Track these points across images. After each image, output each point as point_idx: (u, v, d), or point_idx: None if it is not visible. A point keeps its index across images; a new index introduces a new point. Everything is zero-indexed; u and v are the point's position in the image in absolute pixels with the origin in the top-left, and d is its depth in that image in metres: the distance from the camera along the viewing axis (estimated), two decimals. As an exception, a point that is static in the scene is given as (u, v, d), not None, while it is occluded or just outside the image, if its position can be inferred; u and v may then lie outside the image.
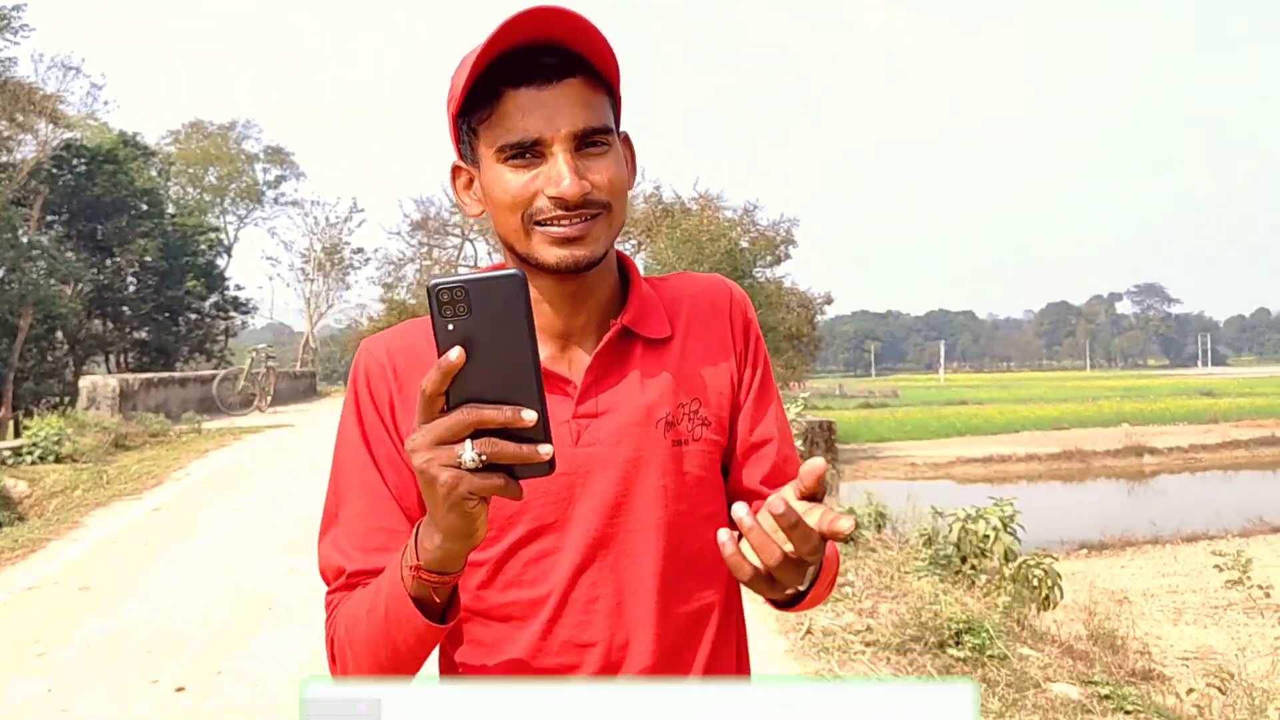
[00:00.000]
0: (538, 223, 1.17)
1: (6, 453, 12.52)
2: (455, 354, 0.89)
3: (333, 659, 1.21)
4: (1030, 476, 32.41)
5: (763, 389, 1.36)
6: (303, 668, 5.69)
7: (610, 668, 1.21)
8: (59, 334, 37.80)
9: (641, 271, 1.39)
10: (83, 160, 38.03)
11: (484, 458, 0.91)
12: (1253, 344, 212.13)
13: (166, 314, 40.71)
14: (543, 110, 1.14)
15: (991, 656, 5.53)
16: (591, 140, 1.17)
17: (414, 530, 1.05)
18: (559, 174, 1.14)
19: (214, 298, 41.71)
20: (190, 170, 45.77)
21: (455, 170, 1.29)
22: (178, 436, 16.12)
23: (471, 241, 35.02)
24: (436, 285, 0.91)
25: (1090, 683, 5.53)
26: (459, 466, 0.91)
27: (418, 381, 1.08)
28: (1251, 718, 5.64)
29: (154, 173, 41.95)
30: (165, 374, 24.74)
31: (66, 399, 35.71)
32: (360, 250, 40.20)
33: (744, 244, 25.31)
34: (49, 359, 38.07)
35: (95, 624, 6.90)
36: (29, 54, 45.31)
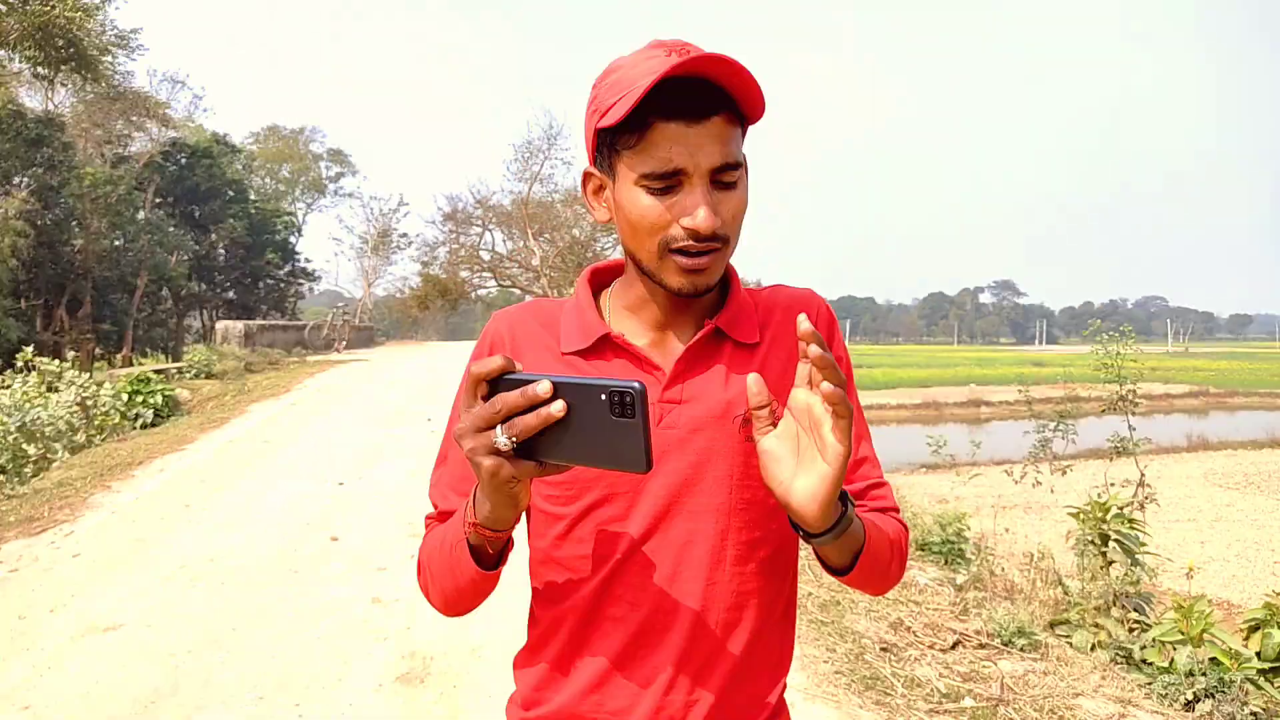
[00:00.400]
0: (671, 250, 1.02)
1: (173, 370, 13.67)
2: (558, 406, 0.80)
3: (420, 575, 1.13)
4: (898, 420, 34.46)
5: (858, 410, 1.14)
6: (404, 478, 7.71)
7: (654, 627, 1.07)
8: (165, 292, 38.19)
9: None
10: (184, 155, 38.35)
11: (515, 440, 0.82)
12: (1080, 328, 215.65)
13: (250, 279, 41.11)
14: (687, 145, 0.98)
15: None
16: (725, 177, 1.01)
17: (472, 490, 0.98)
18: (696, 207, 0.99)
19: (287, 267, 42.22)
20: (268, 165, 45.98)
21: (587, 176, 1.12)
22: (287, 365, 17.26)
23: (490, 231, 35.59)
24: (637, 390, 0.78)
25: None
26: (498, 452, 0.84)
27: (529, 348, 1.10)
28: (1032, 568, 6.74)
29: (240, 166, 42.18)
30: (272, 322, 25.87)
31: (172, 343, 36.32)
32: (405, 235, 40.90)
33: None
34: (158, 311, 38.53)
35: (279, 457, 8.50)
36: (144, 69, 44.77)
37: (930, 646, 4.33)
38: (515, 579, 1.18)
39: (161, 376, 13.00)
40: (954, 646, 4.34)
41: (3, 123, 27.74)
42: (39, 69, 28.11)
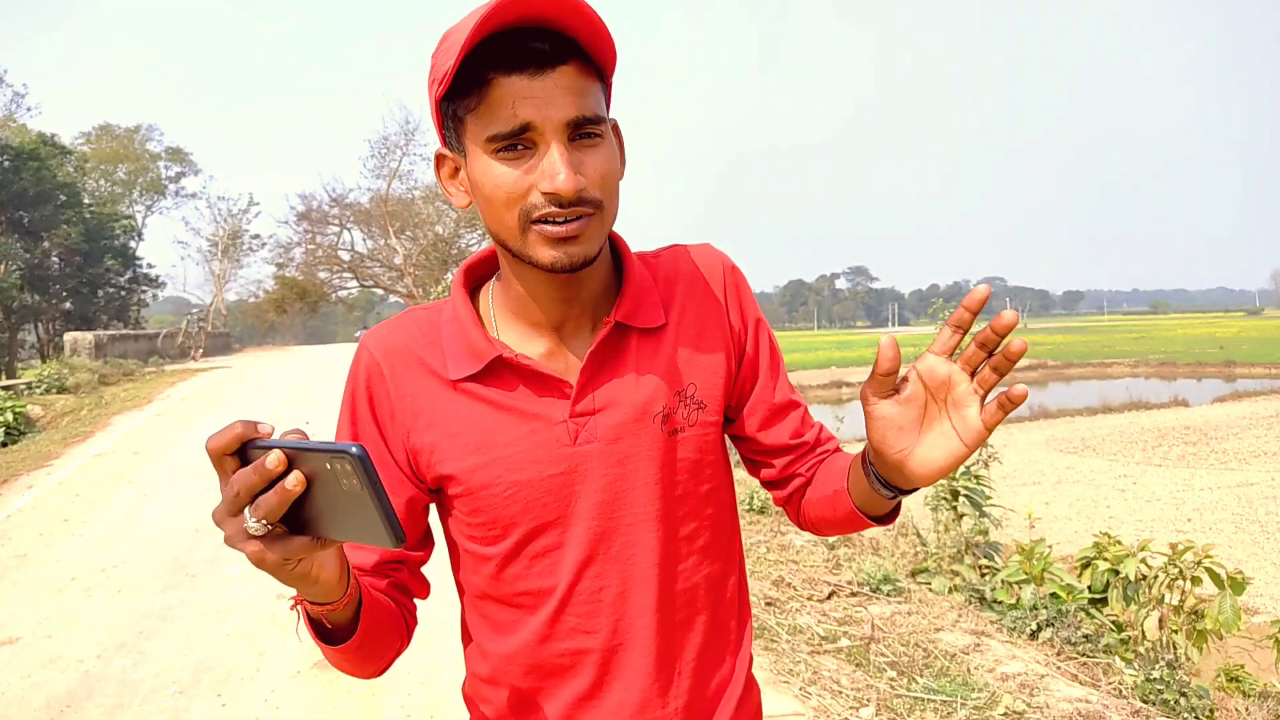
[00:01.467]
0: (534, 220, 0.89)
1: (20, 386, 13.00)
2: (293, 480, 0.68)
3: None
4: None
5: (772, 355, 1.10)
6: None
7: (616, 650, 1.01)
8: (-6, 304, 35.81)
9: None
10: (7, 158, 35.98)
11: (266, 523, 0.70)
12: (926, 309, 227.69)
13: (88, 287, 38.88)
14: (534, 99, 0.85)
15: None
16: (585, 131, 0.89)
17: None
18: (553, 168, 0.86)
19: (128, 274, 40.15)
20: (102, 167, 43.56)
21: (440, 158, 0.99)
22: (144, 375, 16.58)
23: (348, 230, 34.84)
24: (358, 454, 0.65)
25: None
26: (255, 537, 0.71)
27: (409, 380, 1.00)
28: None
29: (71, 169, 39.85)
30: (124, 331, 24.70)
31: (5, 358, 34.19)
32: (257, 236, 39.52)
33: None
34: (-14, 325, 36.08)
35: (154, 468, 8.37)
36: (-46, 66, 41.70)
37: (809, 598, 4.79)
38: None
39: (10, 393, 12.36)
40: (829, 597, 4.81)
41: None
42: None
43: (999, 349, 0.82)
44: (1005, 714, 3.57)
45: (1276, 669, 5.22)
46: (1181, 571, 4.52)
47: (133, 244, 41.06)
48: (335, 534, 0.72)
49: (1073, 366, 53.32)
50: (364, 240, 35.30)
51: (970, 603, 5.23)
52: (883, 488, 0.94)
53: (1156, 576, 4.58)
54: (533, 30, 0.86)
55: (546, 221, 0.89)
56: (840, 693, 3.71)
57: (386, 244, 34.03)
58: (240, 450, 0.71)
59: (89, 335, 18.32)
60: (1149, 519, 15.43)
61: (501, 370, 0.98)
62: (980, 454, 6.88)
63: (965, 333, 0.84)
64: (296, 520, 0.72)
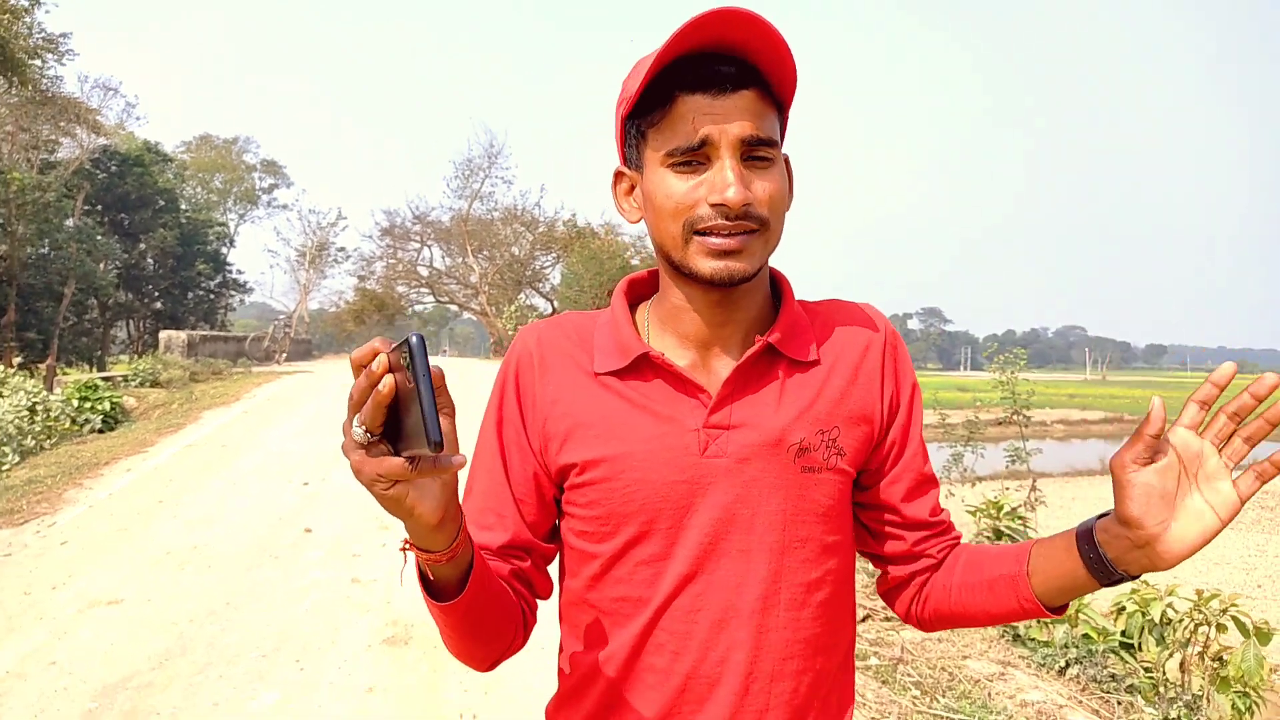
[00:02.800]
0: (697, 231, 0.91)
1: (119, 378, 13.89)
2: (385, 383, 0.68)
3: None
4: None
5: (917, 429, 1.06)
6: None
7: (700, 680, 0.95)
8: (92, 301, 37.63)
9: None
10: (115, 163, 37.93)
11: (367, 430, 0.71)
12: (992, 358, 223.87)
13: (179, 289, 40.62)
14: (714, 115, 0.89)
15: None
16: (758, 152, 0.91)
17: None
18: (724, 180, 0.88)
19: (218, 278, 41.85)
20: (200, 175, 45.58)
21: (618, 175, 1.02)
22: (232, 375, 17.51)
23: (429, 247, 35.93)
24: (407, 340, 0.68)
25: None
26: (359, 446, 0.73)
27: (556, 369, 1.02)
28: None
29: (171, 175, 41.79)
30: (214, 332, 26.08)
31: (98, 352, 35.70)
32: (342, 248, 41.05)
33: (635, 261, 26.97)
34: (84, 320, 37.90)
35: (242, 461, 8.93)
36: (75, 74, 44.21)
37: (844, 619, 5.06)
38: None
39: (109, 384, 13.21)
40: (864, 619, 5.06)
41: (-77, 125, 27.12)
42: (-37, 71, 27.78)
43: (1253, 415, 0.81)
44: (1019, 736, 3.78)
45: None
46: (1206, 618, 4.67)
47: (224, 250, 42.85)
48: (405, 447, 0.71)
49: (1151, 422, 51.55)
50: (442, 257, 36.40)
51: (1004, 638, 5.42)
52: (1109, 570, 0.88)
53: (1181, 621, 4.73)
54: (719, 55, 0.90)
55: (710, 234, 0.91)
56: (864, 704, 3.98)
57: (464, 262, 35.00)
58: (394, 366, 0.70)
59: (182, 334, 19.45)
60: (1215, 581, 15.00)
61: (644, 369, 0.99)
62: (1029, 497, 7.04)
63: (1209, 407, 0.83)
64: (397, 440, 0.72)
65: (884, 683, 4.23)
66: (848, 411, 1.00)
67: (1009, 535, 6.22)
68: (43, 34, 30.58)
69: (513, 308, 26.98)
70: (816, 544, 0.98)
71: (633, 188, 1.01)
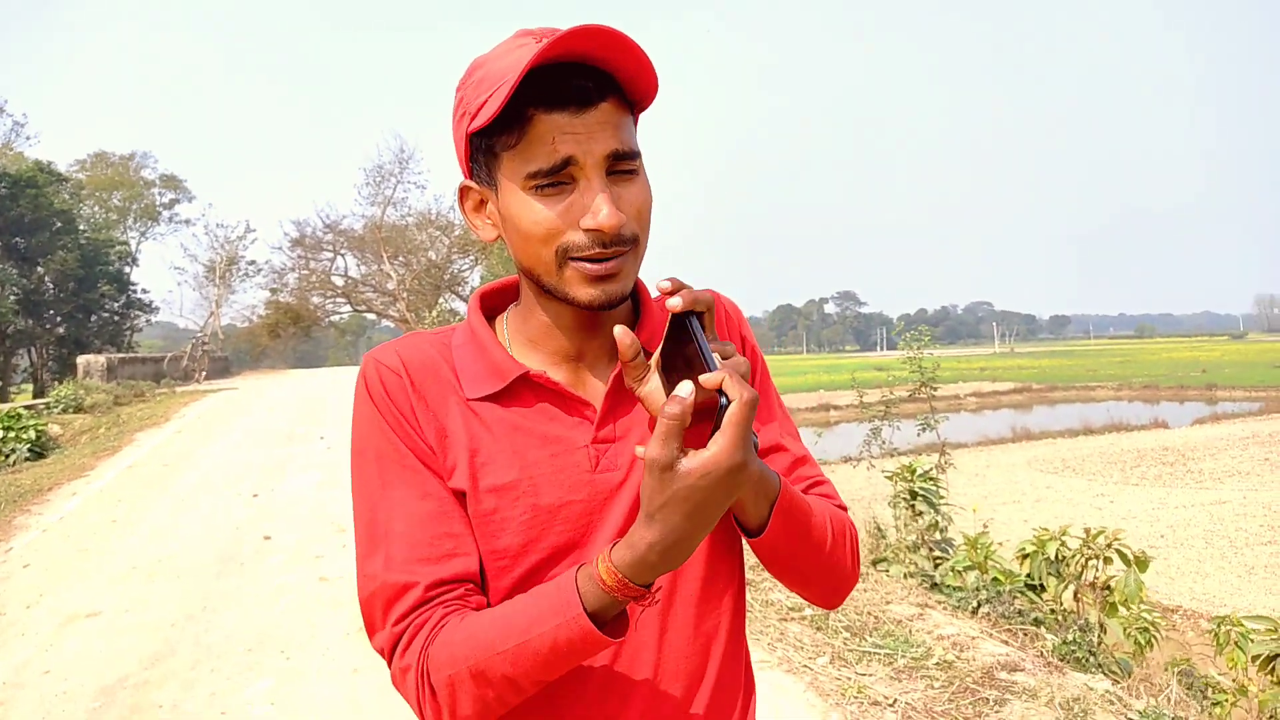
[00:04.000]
0: (571, 257, 0.88)
1: (40, 406, 13.73)
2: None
3: (434, 701, 0.86)
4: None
5: (764, 399, 1.05)
6: (314, 487, 8.61)
7: (616, 689, 0.95)
8: (-11, 329, 36.40)
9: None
10: (5, 184, 36.65)
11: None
12: (901, 337, 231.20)
13: (82, 313, 39.53)
14: (576, 135, 0.85)
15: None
16: (622, 166, 0.89)
17: (610, 545, 0.82)
18: (596, 205, 0.86)
19: (122, 299, 40.79)
20: (97, 194, 44.27)
21: (464, 191, 0.97)
22: (155, 396, 17.33)
23: (342, 256, 35.62)
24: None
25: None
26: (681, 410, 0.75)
27: (431, 389, 0.96)
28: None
29: (67, 195, 40.57)
30: (132, 354, 25.61)
31: (1, 380, 34.38)
32: (253, 262, 40.29)
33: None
34: (-20, 350, 36.64)
35: (186, 477, 9.14)
36: (-47, 95, 42.47)
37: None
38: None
39: (31, 412, 13.08)
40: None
41: None
42: None
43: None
44: (938, 663, 4.35)
45: (1216, 661, 5.98)
46: (1095, 552, 5.32)
47: (127, 270, 41.73)
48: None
49: (1057, 390, 54.23)
50: (357, 266, 36.04)
51: (922, 585, 6.02)
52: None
53: (1074, 556, 5.38)
54: (574, 67, 0.86)
55: (588, 260, 0.88)
56: (801, 647, 4.50)
57: (380, 269, 34.78)
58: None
59: (101, 358, 19.14)
60: (1124, 535, 16.04)
61: (522, 391, 0.96)
62: (939, 460, 7.70)
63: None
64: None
65: (818, 629, 4.76)
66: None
67: (923, 495, 6.85)
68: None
69: (434, 313, 27.03)
70: (713, 539, 1.00)
71: (482, 203, 0.96)
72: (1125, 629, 5.64)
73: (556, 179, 0.87)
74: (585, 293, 0.90)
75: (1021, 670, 4.34)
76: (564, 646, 0.82)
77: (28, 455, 11.66)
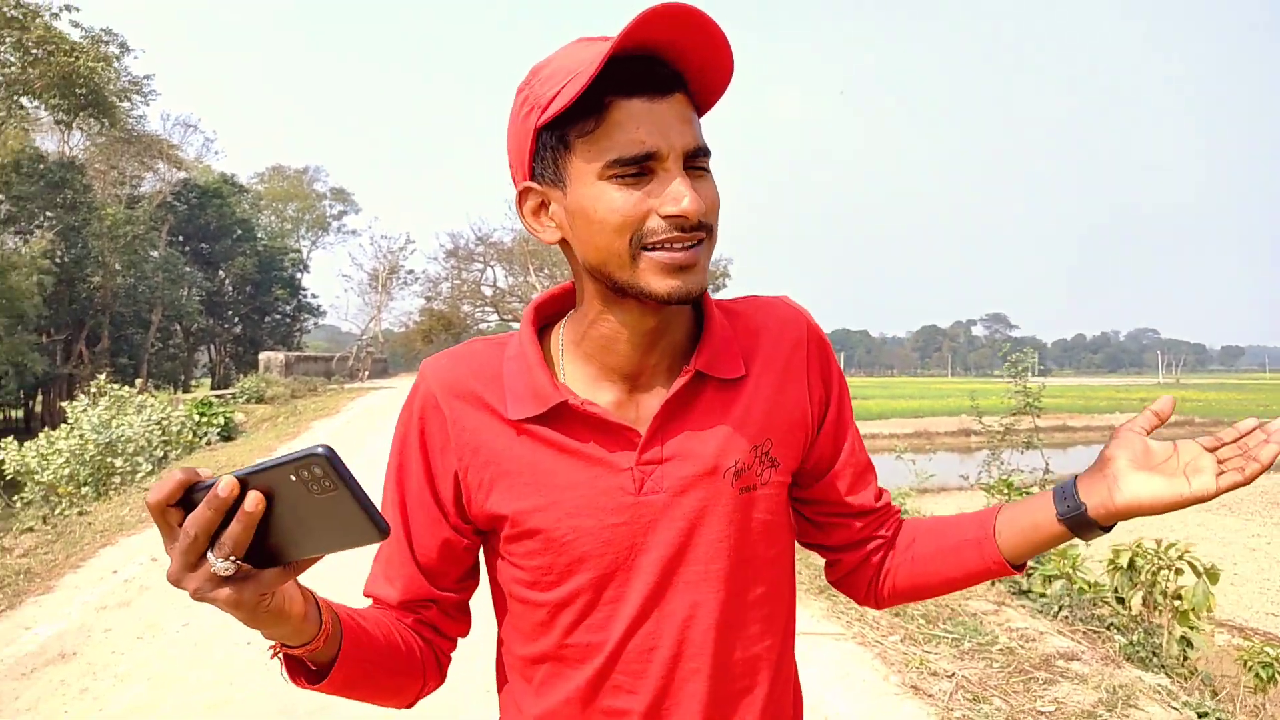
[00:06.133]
0: (645, 247, 0.86)
1: (227, 396, 15.58)
2: (252, 501, 0.65)
3: None
4: (891, 450, 36.44)
5: (847, 423, 1.06)
6: None
7: (657, 714, 0.95)
8: (177, 327, 39.99)
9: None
10: (195, 195, 40.14)
11: (234, 559, 0.67)
12: (1071, 361, 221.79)
13: (258, 314, 43.09)
14: (657, 124, 0.85)
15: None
16: (697, 162, 0.89)
17: None
18: (679, 191, 0.84)
19: (293, 303, 44.13)
20: (274, 204, 47.90)
21: (524, 193, 0.94)
22: (326, 391, 19.26)
23: (491, 267, 37.47)
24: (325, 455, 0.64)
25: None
26: (227, 579, 0.68)
27: (466, 414, 0.96)
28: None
29: (247, 205, 44.16)
30: (304, 354, 28.36)
31: (182, 376, 37.86)
32: (411, 271, 42.74)
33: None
34: (169, 346, 40.30)
35: (355, 459, 10.32)
36: (157, 114, 46.99)
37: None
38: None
39: (221, 400, 14.87)
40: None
41: (25, 167, 29.37)
42: (60, 115, 30.22)
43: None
44: (1000, 650, 4.90)
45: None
46: (1166, 562, 5.70)
47: (299, 275, 45.21)
48: (311, 550, 0.69)
49: (1222, 424, 50.04)
50: (505, 277, 37.83)
51: (1009, 590, 6.50)
52: (1073, 502, 0.92)
53: (1145, 565, 5.78)
54: (645, 58, 0.85)
55: (663, 248, 0.86)
56: (878, 627, 5.13)
57: (526, 280, 36.41)
58: (184, 501, 0.67)
59: (280, 355, 21.40)
60: (1276, 578, 15.39)
61: (565, 415, 0.94)
62: (1038, 475, 8.06)
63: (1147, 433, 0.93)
64: (258, 553, 0.69)
65: (896, 614, 5.37)
66: (779, 419, 0.99)
67: (1019, 508, 7.30)
68: (129, 77, 33.10)
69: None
70: (760, 561, 0.98)
71: (543, 204, 0.93)
72: (1246, 661, 5.97)
73: (636, 169, 0.86)
74: (663, 284, 0.87)
75: (1078, 660, 4.85)
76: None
77: (218, 437, 13.32)
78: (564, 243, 0.94)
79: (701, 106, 0.92)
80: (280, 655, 0.84)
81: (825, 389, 1.05)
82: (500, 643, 1.05)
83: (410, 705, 1.02)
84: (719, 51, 0.86)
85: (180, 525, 0.68)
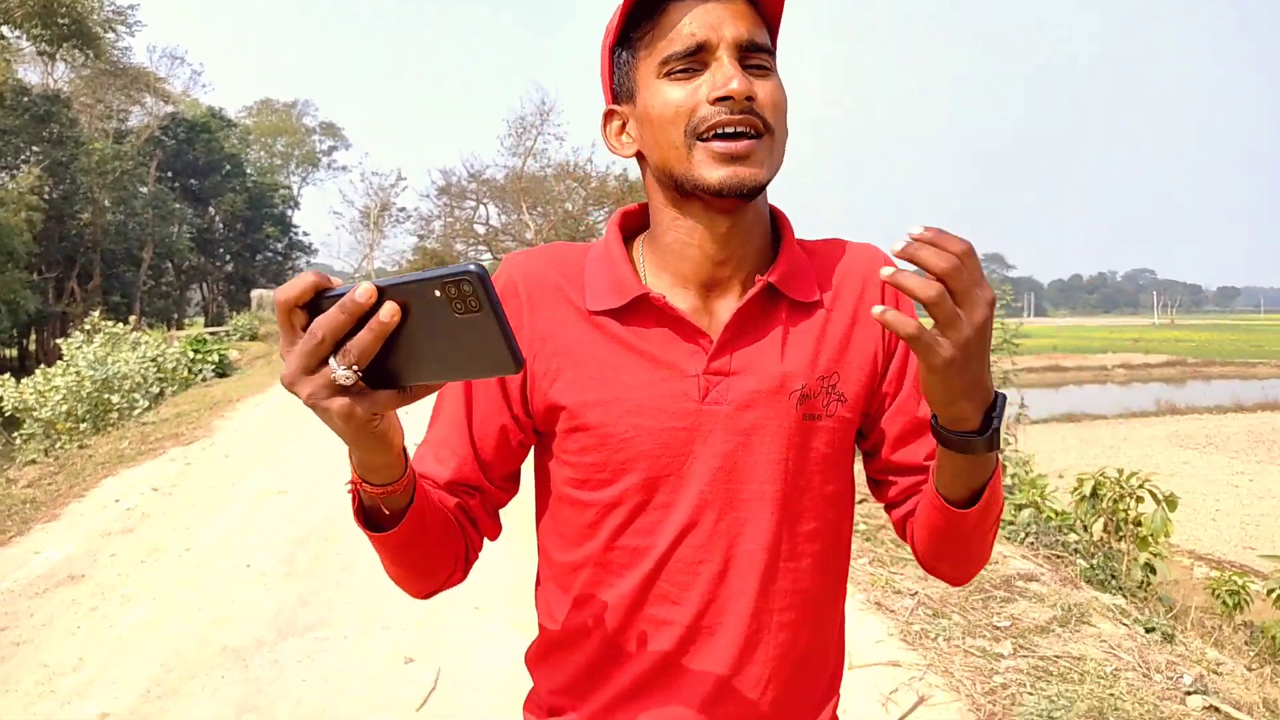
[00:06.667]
0: (700, 137, 0.88)
1: (221, 333, 15.74)
2: (388, 311, 0.63)
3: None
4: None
5: (914, 374, 1.00)
6: None
7: (701, 630, 0.95)
8: (168, 265, 39.92)
9: None
10: (183, 130, 39.73)
11: (356, 368, 0.66)
12: (1068, 301, 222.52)
13: (249, 252, 43.01)
14: (708, 18, 0.87)
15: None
16: (755, 59, 0.89)
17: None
18: (725, 74, 0.86)
19: (285, 240, 44.03)
20: (263, 140, 47.47)
21: (608, 115, 0.98)
22: (318, 328, 19.42)
23: (485, 205, 37.33)
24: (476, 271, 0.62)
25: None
26: (343, 388, 0.67)
27: (545, 304, 0.97)
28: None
29: (235, 140, 43.76)
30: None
31: (175, 314, 37.82)
32: (403, 209, 42.51)
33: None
34: (161, 284, 40.28)
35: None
36: (143, 45, 46.24)
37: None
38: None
39: (215, 338, 15.05)
40: (860, 501, 6.48)
41: (9, 100, 28.96)
42: (43, 46, 29.83)
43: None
44: (965, 571, 5.18)
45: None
46: (1127, 491, 5.97)
47: (290, 212, 45.03)
48: (434, 374, 0.68)
49: (1214, 365, 51.66)
50: (498, 215, 37.62)
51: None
52: (946, 438, 0.83)
53: (1106, 493, 6.05)
54: None
55: (715, 136, 0.87)
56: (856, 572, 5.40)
57: (519, 219, 36.26)
58: (311, 305, 0.67)
59: (272, 293, 21.45)
60: (1257, 514, 15.31)
61: (642, 310, 0.95)
62: (1017, 416, 8.36)
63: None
64: (377, 372, 0.68)
65: (867, 540, 5.64)
66: (849, 356, 0.98)
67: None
68: (113, 7, 32.58)
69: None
70: (816, 494, 0.97)
71: (624, 125, 0.98)
72: (1214, 590, 6.27)
73: (690, 63, 0.88)
74: (715, 174, 0.88)
75: (1037, 581, 5.12)
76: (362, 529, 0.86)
77: (213, 374, 13.53)
78: (640, 156, 0.97)
79: (770, 9, 0.93)
80: (356, 493, 0.83)
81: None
82: (542, 553, 1.05)
83: (431, 595, 0.99)
84: None
85: (304, 327, 0.67)
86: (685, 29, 0.88)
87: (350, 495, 0.84)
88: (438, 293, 0.63)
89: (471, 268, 0.61)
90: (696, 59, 0.88)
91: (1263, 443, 24.34)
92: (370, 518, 0.85)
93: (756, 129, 0.88)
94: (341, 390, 0.67)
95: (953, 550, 0.95)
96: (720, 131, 0.87)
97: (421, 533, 0.88)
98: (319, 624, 4.08)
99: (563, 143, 35.88)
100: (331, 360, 0.65)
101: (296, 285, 0.65)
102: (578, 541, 0.98)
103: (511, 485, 1.03)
